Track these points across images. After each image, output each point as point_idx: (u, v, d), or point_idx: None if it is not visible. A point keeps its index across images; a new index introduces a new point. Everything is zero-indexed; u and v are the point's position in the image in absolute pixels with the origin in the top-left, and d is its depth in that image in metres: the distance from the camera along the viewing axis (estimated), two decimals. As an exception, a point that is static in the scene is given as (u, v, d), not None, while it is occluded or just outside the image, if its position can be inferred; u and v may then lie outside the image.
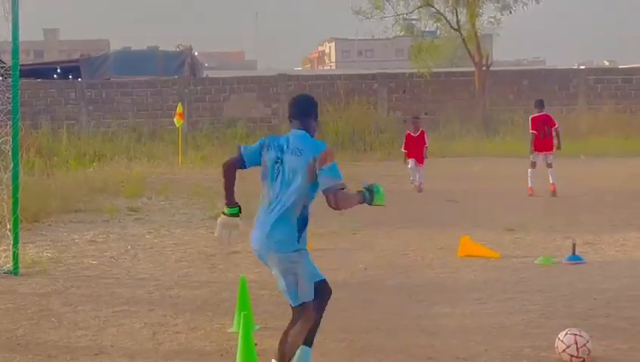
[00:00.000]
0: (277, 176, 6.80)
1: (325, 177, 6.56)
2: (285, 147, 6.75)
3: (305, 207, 6.73)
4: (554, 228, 14.70)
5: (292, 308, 6.88)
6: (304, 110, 6.91)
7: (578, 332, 7.32)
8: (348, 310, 9.33)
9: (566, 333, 7.34)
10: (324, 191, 6.57)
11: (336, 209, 6.65)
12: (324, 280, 7.11)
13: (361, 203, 6.78)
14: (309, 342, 6.99)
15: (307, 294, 6.82)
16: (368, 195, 6.79)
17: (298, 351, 6.90)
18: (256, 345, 6.96)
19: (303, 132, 6.81)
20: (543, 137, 19.49)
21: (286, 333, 6.84)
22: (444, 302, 9.59)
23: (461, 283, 10.62)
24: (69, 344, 8.27)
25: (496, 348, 7.76)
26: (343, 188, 6.57)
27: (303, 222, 6.76)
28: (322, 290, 7.05)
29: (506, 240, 13.69)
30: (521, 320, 8.73)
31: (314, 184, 6.64)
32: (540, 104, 19.93)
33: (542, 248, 12.85)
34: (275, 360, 6.86)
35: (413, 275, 11.19)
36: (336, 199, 6.55)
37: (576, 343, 7.23)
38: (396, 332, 8.40)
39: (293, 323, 6.84)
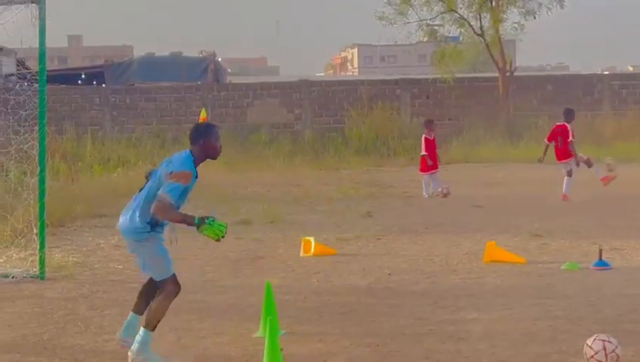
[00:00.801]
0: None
1: (162, 187, 7.54)
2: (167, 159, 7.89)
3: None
4: (580, 234, 14.61)
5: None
6: (192, 138, 7.87)
7: (607, 338, 7.27)
8: (373, 315, 9.31)
9: (594, 339, 7.29)
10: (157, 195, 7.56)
11: (152, 213, 7.57)
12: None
13: (189, 224, 7.49)
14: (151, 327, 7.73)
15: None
16: (198, 221, 7.43)
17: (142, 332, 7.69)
18: (281, 349, 6.94)
19: (187, 151, 7.81)
20: (556, 147, 19.48)
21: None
22: (470, 308, 9.55)
23: (487, 289, 10.57)
24: (96, 348, 8.29)
25: (524, 354, 7.72)
26: (163, 200, 7.44)
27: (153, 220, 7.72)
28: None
29: (532, 245, 13.62)
30: (548, 326, 8.68)
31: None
32: (564, 113, 19.80)
33: (568, 254, 12.77)
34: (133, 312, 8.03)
35: (438, 281, 11.15)
36: (155, 204, 7.51)
37: (604, 349, 7.18)
38: (422, 337, 8.37)
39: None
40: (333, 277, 11.46)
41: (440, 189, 20.57)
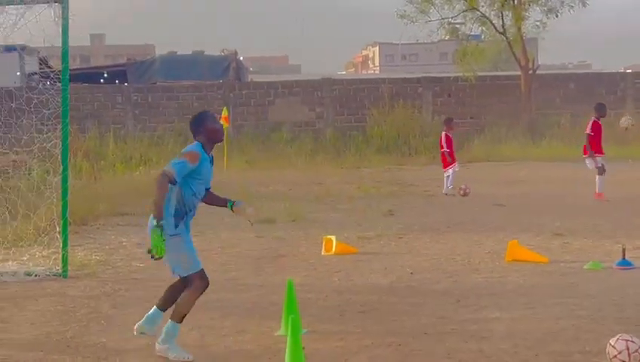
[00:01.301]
0: None
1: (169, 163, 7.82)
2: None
3: (178, 201, 7.82)
4: (603, 233, 14.54)
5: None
6: (192, 128, 8.32)
7: (630, 338, 7.22)
8: (395, 314, 9.30)
9: (617, 339, 7.24)
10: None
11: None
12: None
13: (155, 215, 7.56)
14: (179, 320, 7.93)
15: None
16: (156, 224, 7.50)
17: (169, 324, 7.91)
18: (303, 348, 6.94)
19: (196, 142, 8.13)
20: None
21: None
22: (493, 307, 9.52)
23: (509, 288, 10.53)
24: (118, 346, 8.32)
25: (547, 353, 7.68)
26: (166, 172, 7.67)
27: (178, 212, 7.81)
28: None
29: (555, 244, 13.56)
30: (570, 325, 8.64)
31: (184, 180, 7.79)
32: (597, 108, 19.63)
33: (591, 253, 12.71)
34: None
35: (460, 279, 11.12)
36: (158, 176, 7.76)
37: (627, 349, 7.13)
38: (444, 336, 8.35)
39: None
40: (354, 276, 11.46)
41: (450, 186, 20.75)
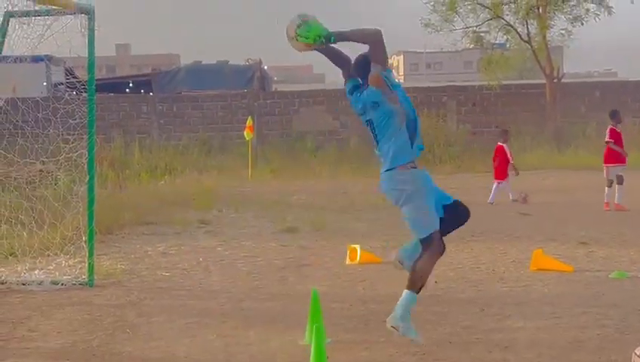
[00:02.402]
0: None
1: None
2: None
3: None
4: (628, 242, 14.47)
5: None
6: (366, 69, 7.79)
7: (655, 348, 7.19)
8: (420, 323, 9.26)
9: (643, 348, 7.22)
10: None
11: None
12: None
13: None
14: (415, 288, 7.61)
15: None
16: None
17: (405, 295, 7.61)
18: (327, 357, 6.95)
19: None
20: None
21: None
22: (517, 316, 9.50)
23: (534, 297, 10.50)
24: (144, 355, 8.36)
25: (571, 363, 7.67)
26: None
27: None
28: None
29: (580, 253, 13.51)
30: (596, 335, 8.60)
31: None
32: (612, 115, 19.63)
33: (616, 262, 12.65)
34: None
35: (484, 288, 11.10)
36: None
37: (653, 358, 7.11)
38: (469, 346, 8.33)
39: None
40: (379, 286, 11.45)
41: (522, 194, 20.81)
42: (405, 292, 7.70)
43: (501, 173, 21.26)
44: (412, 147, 7.76)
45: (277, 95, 40.11)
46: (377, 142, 7.89)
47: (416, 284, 7.64)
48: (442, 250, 7.76)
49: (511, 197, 21.00)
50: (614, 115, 19.50)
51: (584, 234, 15.26)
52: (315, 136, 36.78)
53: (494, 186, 21.15)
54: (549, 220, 17.52)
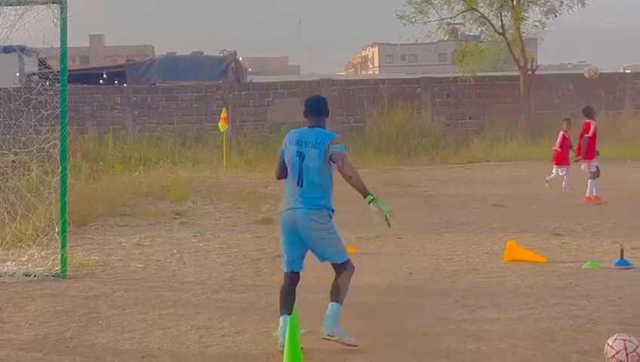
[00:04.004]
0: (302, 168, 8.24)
1: (334, 149, 8.15)
2: (305, 142, 8.31)
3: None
4: (601, 233, 14.56)
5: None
6: (317, 110, 8.52)
7: (628, 338, 7.22)
8: (394, 314, 9.31)
9: (615, 338, 7.25)
10: (332, 156, 8.12)
11: (342, 172, 8.08)
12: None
13: (364, 193, 8.17)
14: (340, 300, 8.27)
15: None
16: (373, 197, 8.17)
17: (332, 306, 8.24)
18: (302, 348, 6.94)
19: (319, 128, 8.41)
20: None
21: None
22: (491, 307, 9.53)
23: (507, 288, 10.54)
24: (117, 346, 8.33)
25: (544, 354, 7.69)
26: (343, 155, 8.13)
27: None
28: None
29: (553, 244, 13.57)
30: (568, 326, 8.65)
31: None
32: (586, 111, 19.75)
33: (589, 253, 12.73)
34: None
35: (459, 280, 11.13)
36: (344, 164, 8.07)
37: (625, 349, 7.13)
38: (443, 336, 8.36)
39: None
40: (353, 276, 11.43)
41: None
42: (335, 305, 8.21)
43: (565, 160, 21.28)
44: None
45: (251, 86, 39.98)
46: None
47: (342, 298, 8.29)
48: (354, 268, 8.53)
49: (564, 185, 21.01)
50: (589, 111, 19.60)
51: (558, 225, 15.34)
52: (289, 127, 36.34)
53: (565, 172, 21.12)
54: (522, 212, 17.59)
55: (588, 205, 18.45)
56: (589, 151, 19.15)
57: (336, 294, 8.28)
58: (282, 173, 8.51)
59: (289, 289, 8.45)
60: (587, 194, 18.87)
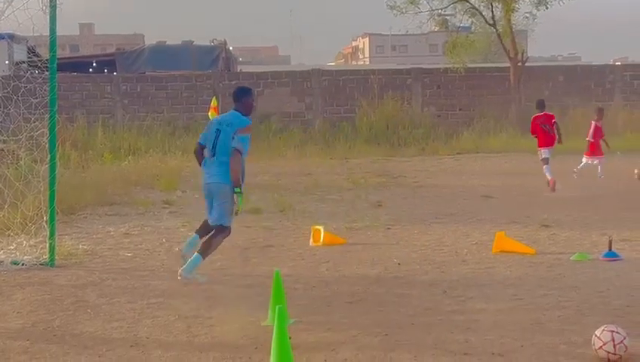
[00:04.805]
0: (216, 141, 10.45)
1: (235, 141, 10.22)
2: (222, 122, 10.55)
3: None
4: (590, 225, 14.58)
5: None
6: (237, 97, 10.65)
7: (615, 329, 7.25)
8: (382, 305, 9.32)
9: (603, 330, 7.28)
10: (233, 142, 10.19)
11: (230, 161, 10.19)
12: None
13: (235, 184, 10.20)
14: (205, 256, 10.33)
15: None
16: (239, 189, 10.19)
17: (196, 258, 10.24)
18: (290, 338, 6.94)
19: (234, 111, 10.58)
20: (546, 134, 20.13)
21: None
22: (479, 298, 9.55)
23: (496, 279, 10.55)
24: (105, 335, 8.32)
25: (532, 344, 7.71)
26: (238, 150, 10.20)
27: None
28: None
29: (542, 236, 13.60)
30: (557, 317, 8.67)
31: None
32: (541, 104, 20.62)
33: (578, 244, 12.75)
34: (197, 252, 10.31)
35: (447, 271, 11.13)
36: (232, 156, 10.17)
37: (613, 340, 7.16)
38: (431, 327, 8.36)
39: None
40: (342, 267, 11.46)
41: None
42: (197, 255, 10.18)
43: (598, 149, 21.42)
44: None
45: (242, 76, 39.91)
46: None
47: (207, 254, 10.27)
48: (229, 234, 10.53)
49: (599, 174, 21.16)
50: (541, 105, 20.71)
51: (547, 216, 15.36)
52: (279, 117, 36.67)
53: (598, 162, 21.25)
54: (512, 203, 17.62)
55: (577, 195, 18.61)
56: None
57: (205, 249, 10.25)
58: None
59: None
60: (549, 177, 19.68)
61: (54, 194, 11.55)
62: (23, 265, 11.49)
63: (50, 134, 11.52)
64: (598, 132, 21.40)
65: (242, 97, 10.64)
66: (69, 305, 9.49)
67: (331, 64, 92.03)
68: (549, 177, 19.49)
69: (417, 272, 11.09)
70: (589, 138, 21.44)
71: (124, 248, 13.03)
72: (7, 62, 35.27)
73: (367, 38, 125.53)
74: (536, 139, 20.43)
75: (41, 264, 11.56)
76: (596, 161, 21.25)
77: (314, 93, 37.30)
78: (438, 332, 8.18)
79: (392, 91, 36.74)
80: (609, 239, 11.85)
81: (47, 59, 11.76)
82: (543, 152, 20.01)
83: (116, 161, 25.75)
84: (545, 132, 20.09)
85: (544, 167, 19.81)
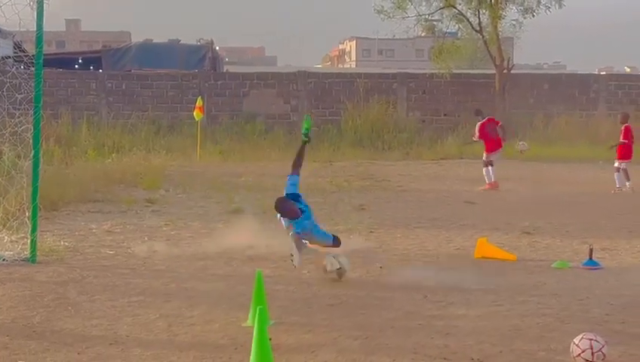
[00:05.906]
0: None
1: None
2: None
3: None
4: (571, 233, 14.65)
5: None
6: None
7: (594, 337, 7.30)
8: (363, 308, 9.33)
9: (581, 338, 7.32)
10: None
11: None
12: None
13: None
14: None
15: None
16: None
17: None
18: (270, 339, 6.95)
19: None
20: (496, 137, 21.81)
21: None
22: (460, 303, 9.57)
23: (477, 285, 10.57)
24: (85, 332, 8.30)
25: (511, 351, 7.74)
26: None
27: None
28: None
29: (523, 243, 13.65)
30: (536, 324, 8.70)
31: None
32: (480, 112, 22.64)
33: (558, 252, 12.81)
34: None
35: (428, 275, 11.15)
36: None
37: (591, 348, 7.21)
38: (411, 331, 8.38)
39: None
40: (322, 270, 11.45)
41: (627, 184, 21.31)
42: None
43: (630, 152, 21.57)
44: None
45: (228, 76, 39.92)
46: None
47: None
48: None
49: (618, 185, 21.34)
50: (480, 112, 22.55)
51: (528, 224, 15.42)
52: (265, 118, 36.69)
53: (625, 165, 21.46)
54: (494, 210, 17.67)
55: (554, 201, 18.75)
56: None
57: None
58: None
59: None
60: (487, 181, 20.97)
61: (37, 190, 11.52)
62: (3, 260, 11.45)
63: (34, 130, 11.49)
64: (628, 134, 21.64)
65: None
66: (50, 302, 9.46)
67: (318, 66, 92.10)
68: (492, 180, 20.84)
69: (399, 276, 11.10)
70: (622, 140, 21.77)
71: (106, 246, 13.01)
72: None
73: (354, 42, 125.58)
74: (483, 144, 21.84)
75: (22, 260, 11.52)
76: (623, 165, 21.41)
77: (300, 95, 37.33)
78: (418, 336, 8.20)
79: (377, 95, 36.82)
80: (590, 248, 11.91)
81: (33, 55, 11.74)
82: (492, 156, 21.46)
83: (100, 158, 25.70)
84: (492, 137, 21.59)
85: (490, 168, 21.14)
